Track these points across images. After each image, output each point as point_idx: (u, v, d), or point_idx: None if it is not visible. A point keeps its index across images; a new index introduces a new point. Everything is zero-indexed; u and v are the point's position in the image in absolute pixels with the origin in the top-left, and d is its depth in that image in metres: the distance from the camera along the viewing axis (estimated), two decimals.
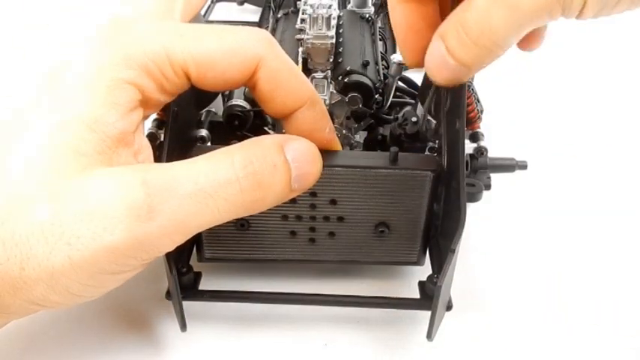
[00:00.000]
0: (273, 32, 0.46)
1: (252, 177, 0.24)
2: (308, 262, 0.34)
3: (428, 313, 0.28)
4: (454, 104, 0.33)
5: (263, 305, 0.33)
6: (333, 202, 0.30)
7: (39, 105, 0.24)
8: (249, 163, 0.24)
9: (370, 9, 0.48)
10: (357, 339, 0.32)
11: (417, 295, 0.31)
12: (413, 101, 0.42)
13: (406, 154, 0.30)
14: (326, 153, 0.30)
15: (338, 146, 0.30)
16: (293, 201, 0.30)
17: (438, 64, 0.26)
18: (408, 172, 0.29)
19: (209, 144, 0.36)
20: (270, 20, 0.48)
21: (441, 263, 0.28)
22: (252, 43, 0.26)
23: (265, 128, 0.37)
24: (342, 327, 0.33)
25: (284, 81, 0.26)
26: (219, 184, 0.23)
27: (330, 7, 0.38)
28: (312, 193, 0.30)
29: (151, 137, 0.37)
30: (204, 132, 0.36)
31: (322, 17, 0.37)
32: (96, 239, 0.22)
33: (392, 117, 0.38)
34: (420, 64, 0.29)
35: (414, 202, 0.30)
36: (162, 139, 0.35)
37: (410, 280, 0.35)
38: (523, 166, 0.39)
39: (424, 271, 0.32)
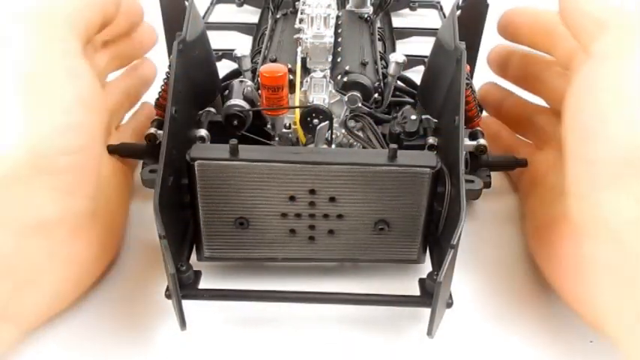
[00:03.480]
0: (272, 33, 0.46)
1: None
2: (308, 261, 0.34)
3: (428, 311, 0.28)
4: (453, 102, 0.33)
5: (262, 304, 0.32)
6: (333, 199, 0.30)
7: None
8: None
9: (369, 9, 0.49)
10: (358, 337, 0.32)
11: (417, 292, 0.31)
12: (412, 100, 0.42)
13: (405, 151, 0.30)
14: (325, 151, 0.30)
15: None
16: (292, 199, 0.30)
17: None
18: (407, 169, 0.29)
19: (208, 144, 0.36)
20: (269, 21, 0.49)
21: (441, 260, 0.28)
22: None
23: (265, 128, 0.37)
24: (343, 325, 0.33)
25: None
26: None
27: (328, 6, 0.38)
28: (312, 191, 0.30)
29: (151, 138, 0.37)
30: (203, 132, 0.36)
31: (320, 17, 0.37)
32: None
33: (391, 116, 0.38)
34: None
35: (414, 199, 0.30)
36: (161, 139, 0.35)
37: (410, 279, 0.35)
38: (523, 163, 0.39)
39: (424, 269, 0.32)
